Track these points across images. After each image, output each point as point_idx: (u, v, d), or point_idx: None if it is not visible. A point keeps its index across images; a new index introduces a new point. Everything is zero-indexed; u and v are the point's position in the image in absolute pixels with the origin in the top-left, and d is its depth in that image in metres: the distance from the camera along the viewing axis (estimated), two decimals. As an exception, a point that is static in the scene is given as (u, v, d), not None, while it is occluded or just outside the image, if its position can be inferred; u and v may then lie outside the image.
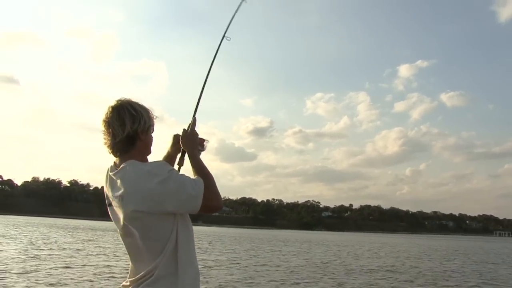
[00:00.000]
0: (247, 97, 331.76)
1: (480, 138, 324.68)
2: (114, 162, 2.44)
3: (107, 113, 2.36)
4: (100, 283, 13.02)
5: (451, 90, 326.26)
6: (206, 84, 3.06)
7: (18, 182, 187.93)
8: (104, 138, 2.38)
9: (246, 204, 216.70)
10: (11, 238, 30.88)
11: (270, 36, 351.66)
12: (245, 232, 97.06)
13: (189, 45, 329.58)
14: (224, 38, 3.14)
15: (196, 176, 2.44)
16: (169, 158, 2.77)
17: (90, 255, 21.67)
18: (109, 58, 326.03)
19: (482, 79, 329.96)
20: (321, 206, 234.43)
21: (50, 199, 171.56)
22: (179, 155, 2.74)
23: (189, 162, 2.58)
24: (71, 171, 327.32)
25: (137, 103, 2.43)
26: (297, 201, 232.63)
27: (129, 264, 2.48)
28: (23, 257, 18.75)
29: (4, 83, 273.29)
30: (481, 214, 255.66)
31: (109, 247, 27.36)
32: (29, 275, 13.56)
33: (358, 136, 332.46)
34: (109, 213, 2.46)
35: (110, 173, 2.39)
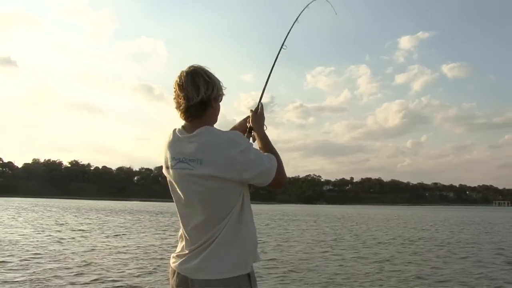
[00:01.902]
0: (247, 72, 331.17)
1: (480, 109, 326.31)
2: (182, 126, 2.49)
3: (181, 77, 2.41)
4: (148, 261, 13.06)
5: (452, 62, 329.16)
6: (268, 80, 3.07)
7: (19, 164, 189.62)
8: (178, 102, 2.42)
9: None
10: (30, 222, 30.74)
11: (268, 10, 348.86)
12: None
13: (187, 22, 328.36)
14: (282, 48, 3.19)
15: (266, 153, 2.52)
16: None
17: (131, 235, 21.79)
18: (107, 36, 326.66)
19: (483, 50, 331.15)
20: (322, 180, 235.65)
21: (51, 180, 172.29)
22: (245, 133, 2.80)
23: (258, 140, 2.70)
24: (71, 151, 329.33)
25: (209, 71, 2.47)
26: (298, 176, 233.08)
27: (176, 236, 2.50)
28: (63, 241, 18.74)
29: (1, 65, 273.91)
30: (481, 184, 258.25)
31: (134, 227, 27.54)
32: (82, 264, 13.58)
33: (359, 109, 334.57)
34: (168, 175, 2.51)
35: (181, 135, 2.43)
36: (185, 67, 2.47)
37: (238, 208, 2.41)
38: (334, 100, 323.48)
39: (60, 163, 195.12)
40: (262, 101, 2.90)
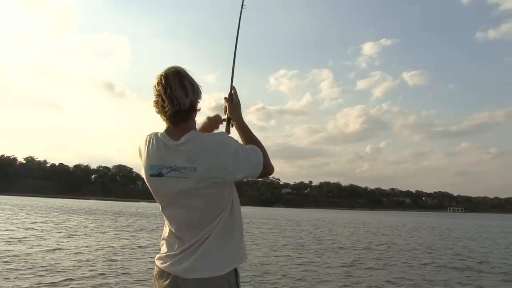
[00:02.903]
0: (210, 73, 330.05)
1: (439, 117, 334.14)
2: (165, 131, 2.40)
3: (166, 79, 2.32)
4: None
5: (413, 69, 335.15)
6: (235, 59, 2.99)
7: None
8: (163, 106, 2.32)
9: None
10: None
11: (233, 12, 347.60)
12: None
13: (152, 19, 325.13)
14: (242, 7, 3.15)
15: (248, 145, 2.52)
16: (205, 130, 2.74)
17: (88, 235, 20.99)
18: (69, 31, 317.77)
19: (443, 59, 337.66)
20: (281, 182, 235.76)
21: (4, 176, 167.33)
22: (224, 124, 2.77)
23: (238, 131, 2.66)
24: (27, 147, 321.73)
25: (190, 73, 2.40)
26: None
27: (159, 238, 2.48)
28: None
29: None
30: (437, 191, 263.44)
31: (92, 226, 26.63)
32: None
33: (320, 113, 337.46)
34: (155, 183, 2.41)
35: (168, 142, 2.36)
36: (164, 68, 2.37)
37: (229, 206, 2.44)
38: (296, 104, 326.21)
39: (15, 159, 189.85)
40: (233, 83, 2.82)
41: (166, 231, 2.55)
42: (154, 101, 2.35)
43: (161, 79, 2.32)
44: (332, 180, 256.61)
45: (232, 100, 2.75)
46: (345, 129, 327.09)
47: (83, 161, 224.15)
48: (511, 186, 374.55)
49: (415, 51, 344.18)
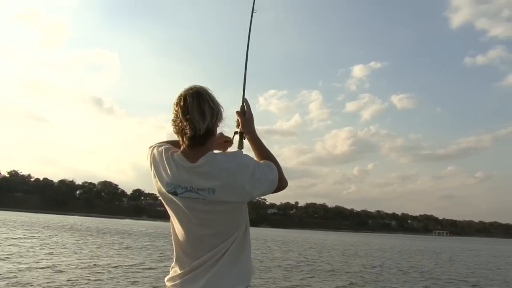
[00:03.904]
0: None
1: (426, 140, 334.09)
2: (181, 152, 2.34)
3: (185, 100, 2.26)
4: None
5: (402, 92, 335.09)
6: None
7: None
8: (181, 127, 2.26)
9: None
10: None
11: (223, 31, 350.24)
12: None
13: (143, 37, 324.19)
14: (253, 11, 3.05)
15: (263, 160, 2.49)
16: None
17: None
18: (59, 45, 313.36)
19: (431, 83, 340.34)
20: (267, 203, 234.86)
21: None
22: (237, 138, 2.69)
23: (252, 147, 2.62)
24: (12, 161, 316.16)
25: (212, 94, 2.32)
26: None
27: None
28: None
29: None
30: (422, 214, 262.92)
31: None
32: None
33: (308, 134, 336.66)
34: (170, 201, 2.38)
35: (184, 164, 2.30)
36: (186, 87, 2.31)
37: (243, 227, 2.44)
38: (285, 124, 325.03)
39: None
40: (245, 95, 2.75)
41: (177, 251, 2.47)
42: (172, 120, 2.30)
43: (180, 100, 2.26)
44: (319, 201, 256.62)
45: (245, 114, 2.66)
46: (333, 151, 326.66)
47: (69, 177, 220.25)
48: (496, 210, 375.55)
49: (404, 74, 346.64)
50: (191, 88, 2.30)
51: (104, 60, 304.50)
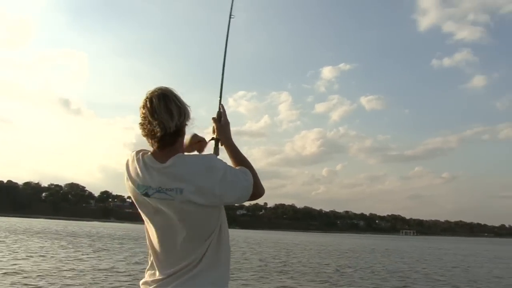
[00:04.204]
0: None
1: (394, 141, 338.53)
2: (151, 153, 2.33)
3: (151, 101, 2.25)
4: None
5: (370, 94, 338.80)
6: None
7: None
8: (150, 129, 2.25)
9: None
10: None
11: (193, 32, 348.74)
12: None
13: (112, 37, 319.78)
14: (231, 17, 3.02)
15: (238, 166, 2.46)
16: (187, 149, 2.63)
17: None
18: (25, 45, 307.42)
19: (400, 84, 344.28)
20: (236, 204, 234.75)
21: None
22: (212, 145, 2.67)
23: (228, 153, 2.58)
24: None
25: (178, 94, 2.32)
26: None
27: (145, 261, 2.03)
28: None
29: None
30: (390, 214, 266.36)
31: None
32: None
33: (277, 135, 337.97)
34: (140, 203, 2.37)
35: (154, 165, 2.28)
36: (150, 90, 2.30)
37: (218, 229, 2.38)
38: (254, 125, 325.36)
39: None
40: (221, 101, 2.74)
41: (153, 255, 2.42)
42: (140, 123, 2.27)
43: (146, 102, 2.25)
44: (288, 202, 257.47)
45: (220, 120, 2.65)
46: (302, 152, 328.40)
47: (34, 179, 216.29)
48: (461, 210, 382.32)
49: (373, 76, 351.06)
50: (156, 90, 2.29)
51: (72, 61, 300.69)
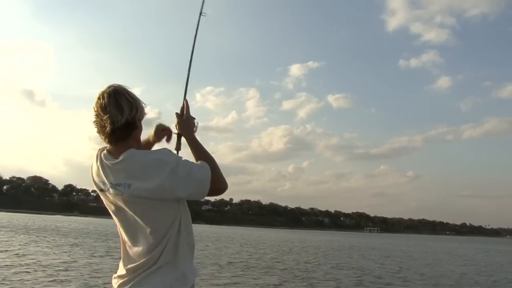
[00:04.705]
0: (135, 86, 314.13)
1: (361, 139, 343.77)
2: (107, 150, 2.38)
3: (102, 98, 2.30)
4: None
5: (338, 92, 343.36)
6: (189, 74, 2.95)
7: None
8: (101, 125, 2.30)
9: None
10: None
11: (162, 27, 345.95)
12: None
13: (78, 29, 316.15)
14: (201, 15, 2.99)
15: (199, 161, 2.45)
16: (148, 147, 2.70)
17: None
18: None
19: (367, 83, 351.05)
20: (202, 200, 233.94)
21: None
22: (175, 140, 2.68)
23: (190, 147, 2.58)
24: None
25: (130, 91, 2.36)
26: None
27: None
28: None
29: None
30: (355, 211, 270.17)
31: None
32: None
33: (244, 131, 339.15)
34: (103, 198, 2.43)
35: (108, 162, 2.33)
36: (104, 87, 2.33)
37: (177, 225, 2.36)
38: (221, 121, 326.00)
39: None
40: (187, 97, 2.75)
41: (122, 249, 2.45)
42: (93, 121, 2.31)
43: (98, 98, 2.29)
44: (254, 198, 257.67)
45: (183, 115, 2.65)
46: (269, 148, 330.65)
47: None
48: (424, 208, 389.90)
49: (341, 74, 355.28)
50: (108, 87, 2.31)
51: (37, 52, 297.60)
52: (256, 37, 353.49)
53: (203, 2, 3.04)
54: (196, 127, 2.65)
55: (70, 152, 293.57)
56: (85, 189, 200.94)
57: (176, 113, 2.67)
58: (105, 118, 2.25)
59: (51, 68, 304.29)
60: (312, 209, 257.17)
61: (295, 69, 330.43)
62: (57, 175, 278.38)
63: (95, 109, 2.30)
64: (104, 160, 2.35)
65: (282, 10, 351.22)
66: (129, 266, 2.37)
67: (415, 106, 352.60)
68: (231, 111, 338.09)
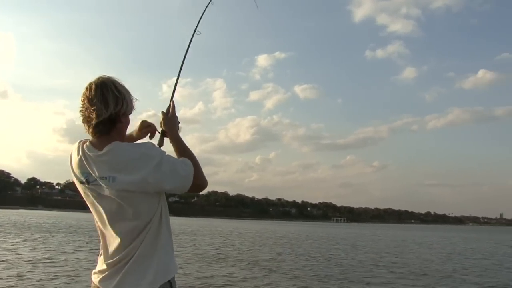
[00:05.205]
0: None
1: (327, 130, 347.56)
2: (90, 142, 2.38)
3: (90, 89, 2.31)
4: None
5: (305, 83, 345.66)
6: (178, 78, 3.11)
7: None
8: (87, 116, 2.32)
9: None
10: None
11: (125, 18, 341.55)
12: (90, 216, 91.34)
13: (41, 18, 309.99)
14: (195, 33, 3.16)
15: (181, 157, 2.48)
16: (131, 141, 2.65)
17: None
18: None
19: (333, 74, 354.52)
20: (175, 193, 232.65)
21: None
22: (158, 136, 2.72)
23: (172, 144, 2.61)
24: None
25: (119, 83, 2.37)
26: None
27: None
28: None
29: None
30: (321, 201, 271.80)
31: None
32: None
33: (211, 122, 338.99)
34: (82, 191, 2.42)
35: (91, 153, 2.33)
36: (93, 78, 2.35)
37: (157, 219, 2.37)
38: (188, 112, 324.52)
39: None
40: (174, 98, 2.82)
41: (101, 244, 2.45)
42: (80, 110, 2.32)
43: (86, 89, 2.30)
44: (221, 189, 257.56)
45: (168, 114, 2.70)
46: (236, 139, 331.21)
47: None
48: (390, 198, 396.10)
49: (308, 65, 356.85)
50: (96, 79, 2.32)
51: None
52: (223, 27, 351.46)
53: (198, 22, 3.16)
54: (179, 129, 2.68)
55: (34, 144, 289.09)
56: (49, 182, 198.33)
57: (162, 112, 2.72)
58: (91, 109, 2.26)
59: (12, 58, 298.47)
60: (279, 199, 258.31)
61: (262, 60, 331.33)
62: (20, 168, 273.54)
63: (82, 100, 2.31)
64: (87, 152, 2.34)
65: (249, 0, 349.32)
66: (109, 260, 2.37)
67: (381, 97, 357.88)
68: (198, 102, 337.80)
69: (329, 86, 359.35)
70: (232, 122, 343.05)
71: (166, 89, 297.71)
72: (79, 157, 2.36)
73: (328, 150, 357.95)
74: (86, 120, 2.31)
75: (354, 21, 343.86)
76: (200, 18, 3.22)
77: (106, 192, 2.29)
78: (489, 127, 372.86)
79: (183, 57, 3.06)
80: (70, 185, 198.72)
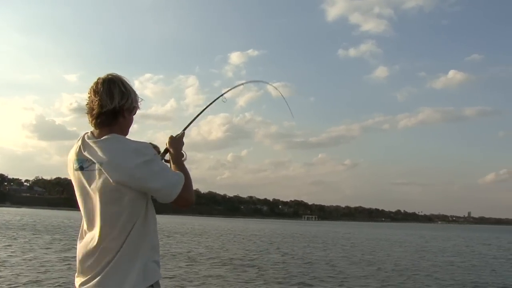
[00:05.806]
0: (72, 72, 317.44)
1: (299, 128, 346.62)
2: (91, 132, 2.43)
3: (97, 84, 2.38)
4: None
5: (277, 81, 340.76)
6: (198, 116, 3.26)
7: None
8: (91, 107, 2.38)
9: (61, 185, 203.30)
10: None
11: (98, 11, 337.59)
12: (59, 214, 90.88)
13: (8, 10, 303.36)
14: (221, 98, 3.33)
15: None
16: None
17: None
18: None
19: (306, 72, 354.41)
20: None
21: None
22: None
23: (171, 160, 2.67)
24: None
25: (127, 82, 2.45)
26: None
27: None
28: None
29: None
30: (293, 199, 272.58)
31: None
32: None
33: (184, 119, 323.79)
34: (75, 179, 2.42)
35: (88, 140, 2.36)
36: (103, 74, 2.42)
37: (141, 221, 2.36)
38: (160, 109, 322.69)
39: None
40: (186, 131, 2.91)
41: (80, 244, 2.40)
42: (86, 104, 2.39)
43: (93, 83, 2.37)
44: (193, 186, 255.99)
45: (176, 137, 2.78)
46: (208, 137, 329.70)
47: None
48: (361, 196, 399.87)
49: (280, 63, 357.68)
50: (107, 75, 2.40)
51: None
52: (196, 24, 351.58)
53: (227, 91, 3.31)
54: (185, 157, 2.71)
55: (2, 140, 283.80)
56: (17, 179, 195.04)
57: (171, 136, 2.78)
58: (95, 100, 2.33)
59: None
60: (250, 197, 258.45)
61: (235, 57, 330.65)
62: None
63: (89, 92, 2.38)
64: (86, 139, 2.36)
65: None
66: (89, 262, 2.32)
67: (353, 95, 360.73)
68: (170, 98, 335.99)
69: (301, 84, 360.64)
70: (204, 119, 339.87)
71: (138, 86, 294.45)
72: (78, 145, 2.40)
73: (300, 148, 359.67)
74: (90, 110, 2.37)
75: (327, 20, 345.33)
76: (231, 89, 3.45)
77: (94, 176, 2.30)
78: (458, 127, 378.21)
79: (201, 111, 3.22)
80: (38, 182, 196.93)
